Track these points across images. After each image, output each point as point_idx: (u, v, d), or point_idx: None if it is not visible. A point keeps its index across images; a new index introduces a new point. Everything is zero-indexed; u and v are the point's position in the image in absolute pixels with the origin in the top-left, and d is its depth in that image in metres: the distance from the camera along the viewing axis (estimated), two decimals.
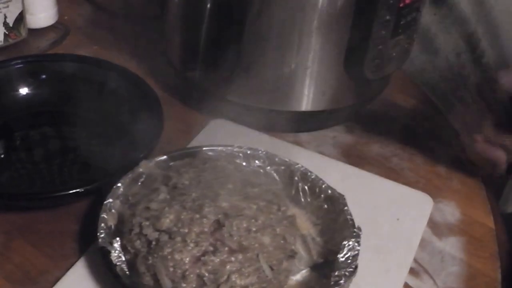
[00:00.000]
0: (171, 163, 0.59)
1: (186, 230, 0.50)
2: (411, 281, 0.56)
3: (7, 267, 0.55)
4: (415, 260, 0.58)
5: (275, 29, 0.63)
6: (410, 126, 0.74)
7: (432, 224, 0.62)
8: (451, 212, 0.63)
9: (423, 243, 0.60)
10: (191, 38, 0.69)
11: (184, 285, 0.49)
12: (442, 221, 0.62)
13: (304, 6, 0.61)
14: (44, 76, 0.70)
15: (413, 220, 0.62)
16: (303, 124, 0.70)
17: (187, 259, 0.49)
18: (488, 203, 0.65)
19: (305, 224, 0.58)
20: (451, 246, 0.60)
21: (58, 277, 0.54)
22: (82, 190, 0.57)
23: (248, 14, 0.63)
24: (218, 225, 0.51)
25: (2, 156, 0.65)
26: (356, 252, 0.52)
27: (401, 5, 0.62)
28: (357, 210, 0.56)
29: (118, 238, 0.52)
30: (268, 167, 0.61)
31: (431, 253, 0.59)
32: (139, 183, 0.58)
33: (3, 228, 0.58)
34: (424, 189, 0.65)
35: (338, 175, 0.63)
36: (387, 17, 0.62)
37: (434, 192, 0.65)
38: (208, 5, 0.65)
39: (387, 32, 0.63)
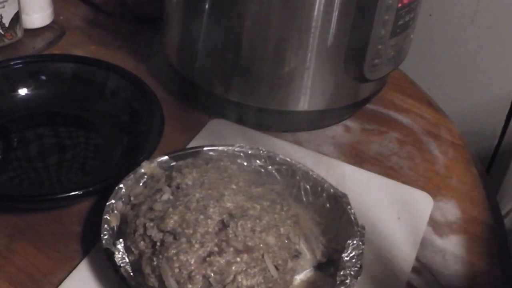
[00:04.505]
0: (173, 163, 0.59)
1: (191, 231, 0.50)
2: (414, 280, 0.56)
3: (10, 270, 0.54)
4: (417, 259, 0.58)
5: (275, 28, 0.63)
6: (408, 125, 0.74)
7: (433, 223, 0.62)
8: (451, 211, 0.64)
9: (424, 242, 0.60)
10: (190, 37, 0.69)
11: (190, 286, 0.49)
12: (443, 220, 0.63)
13: (304, 6, 0.61)
14: (43, 77, 0.70)
15: (413, 219, 0.62)
16: (303, 123, 0.71)
17: (193, 260, 0.49)
18: (488, 201, 0.66)
19: (308, 224, 0.58)
20: (452, 244, 0.60)
21: (61, 279, 0.54)
22: (85, 191, 0.57)
23: (248, 14, 0.63)
24: (223, 225, 0.51)
25: (0, 157, 0.64)
26: (361, 251, 0.52)
27: (399, 5, 0.62)
28: (357, 209, 0.56)
29: (121, 240, 0.52)
30: (270, 167, 0.61)
31: (432, 252, 0.59)
32: (141, 184, 0.58)
33: (5, 231, 0.57)
34: (423, 188, 0.65)
35: (337, 175, 0.64)
36: (386, 17, 0.62)
37: (433, 190, 0.65)
38: (207, 5, 0.65)
39: (386, 32, 0.63)
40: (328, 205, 0.58)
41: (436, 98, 0.80)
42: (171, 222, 0.51)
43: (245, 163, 0.61)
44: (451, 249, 0.60)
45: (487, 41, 0.86)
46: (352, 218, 0.55)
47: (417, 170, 0.68)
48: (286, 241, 0.52)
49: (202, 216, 0.51)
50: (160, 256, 0.50)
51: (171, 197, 0.54)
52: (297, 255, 0.53)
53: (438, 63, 0.92)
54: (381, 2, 0.60)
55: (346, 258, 0.52)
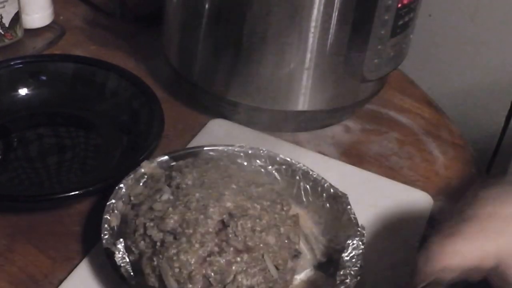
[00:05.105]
0: (173, 163, 0.59)
1: (191, 231, 0.50)
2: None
3: (10, 270, 0.55)
4: (417, 259, 0.58)
5: (275, 29, 0.63)
6: (408, 125, 0.74)
7: (432, 223, 0.62)
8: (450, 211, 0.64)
9: (424, 242, 0.60)
10: (190, 37, 0.69)
11: (190, 286, 0.49)
12: (442, 220, 0.63)
13: (304, 6, 0.61)
14: (43, 77, 0.70)
15: (413, 219, 0.62)
16: (302, 123, 0.71)
17: (193, 259, 0.49)
18: None
19: (308, 223, 0.58)
20: None
21: (61, 279, 0.54)
22: (85, 191, 0.57)
23: (248, 14, 0.63)
24: (223, 225, 0.51)
25: (0, 157, 0.64)
26: (361, 251, 0.52)
27: (399, 5, 0.62)
28: (357, 209, 0.57)
29: (121, 239, 0.52)
30: (270, 167, 0.61)
31: None
32: (142, 184, 0.58)
33: (5, 231, 0.58)
34: (423, 188, 0.65)
35: (337, 175, 0.64)
36: (386, 17, 0.62)
37: (433, 190, 0.65)
38: (207, 5, 0.65)
39: (386, 32, 0.63)
40: (328, 205, 0.58)
41: (436, 98, 0.80)
42: (171, 222, 0.51)
43: (245, 163, 0.61)
44: None
45: (487, 41, 0.86)
46: (352, 218, 0.55)
47: (417, 170, 0.68)
48: (286, 241, 0.53)
49: (202, 216, 0.51)
50: (160, 256, 0.50)
51: (171, 197, 0.54)
52: (297, 254, 0.53)
53: (438, 63, 0.92)
54: (381, 2, 0.60)
55: (346, 258, 0.52)
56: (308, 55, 0.64)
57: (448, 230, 0.47)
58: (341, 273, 0.51)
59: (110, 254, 0.51)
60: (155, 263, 0.50)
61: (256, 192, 0.54)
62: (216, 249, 0.50)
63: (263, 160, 0.61)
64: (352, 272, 0.51)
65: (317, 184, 0.59)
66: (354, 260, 0.52)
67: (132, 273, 0.51)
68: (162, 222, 0.51)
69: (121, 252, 0.51)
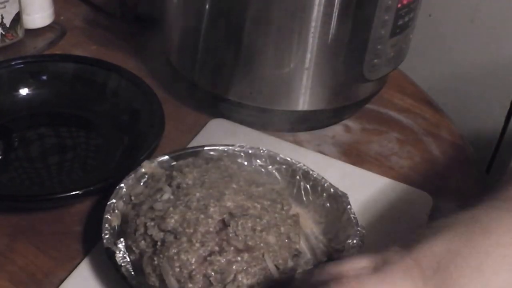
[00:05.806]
0: (173, 163, 0.59)
1: (192, 230, 0.50)
2: None
3: (11, 269, 0.55)
4: None
5: (275, 29, 0.63)
6: (408, 125, 0.75)
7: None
8: (450, 211, 0.64)
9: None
10: (190, 37, 0.69)
11: (190, 285, 0.49)
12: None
13: (304, 6, 0.61)
14: (44, 77, 0.70)
15: (413, 219, 0.62)
16: (303, 123, 0.71)
17: (193, 259, 0.49)
18: None
19: (308, 223, 0.58)
20: None
21: (62, 279, 0.54)
22: (86, 191, 0.57)
23: (248, 14, 0.63)
24: (224, 225, 0.51)
25: (1, 157, 0.64)
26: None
27: (399, 5, 0.63)
28: (357, 209, 0.57)
29: (122, 239, 0.52)
30: (270, 166, 0.61)
31: None
32: (142, 184, 0.58)
33: (6, 230, 0.58)
34: (423, 188, 0.65)
35: (337, 174, 0.64)
36: (386, 17, 0.62)
37: (433, 190, 0.65)
38: (208, 5, 0.65)
39: (386, 32, 0.63)
40: (328, 204, 0.58)
41: (436, 98, 0.80)
42: (171, 222, 0.51)
43: (246, 163, 0.61)
44: None
45: (487, 41, 0.86)
46: (352, 218, 0.55)
47: (417, 170, 0.68)
48: (286, 241, 0.53)
49: (202, 216, 0.51)
50: (161, 256, 0.50)
51: (171, 197, 0.54)
52: (297, 254, 0.53)
53: (438, 63, 0.92)
54: (381, 2, 0.61)
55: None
56: (308, 55, 0.64)
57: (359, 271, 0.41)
58: None
59: (111, 254, 0.51)
60: (156, 262, 0.50)
61: (257, 192, 0.55)
62: (216, 248, 0.50)
63: (263, 159, 0.61)
64: None
65: (317, 184, 0.59)
66: None
67: (132, 273, 0.51)
68: (162, 222, 0.51)
69: (121, 252, 0.51)
